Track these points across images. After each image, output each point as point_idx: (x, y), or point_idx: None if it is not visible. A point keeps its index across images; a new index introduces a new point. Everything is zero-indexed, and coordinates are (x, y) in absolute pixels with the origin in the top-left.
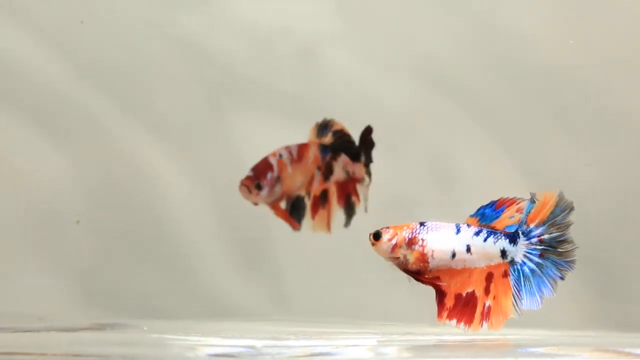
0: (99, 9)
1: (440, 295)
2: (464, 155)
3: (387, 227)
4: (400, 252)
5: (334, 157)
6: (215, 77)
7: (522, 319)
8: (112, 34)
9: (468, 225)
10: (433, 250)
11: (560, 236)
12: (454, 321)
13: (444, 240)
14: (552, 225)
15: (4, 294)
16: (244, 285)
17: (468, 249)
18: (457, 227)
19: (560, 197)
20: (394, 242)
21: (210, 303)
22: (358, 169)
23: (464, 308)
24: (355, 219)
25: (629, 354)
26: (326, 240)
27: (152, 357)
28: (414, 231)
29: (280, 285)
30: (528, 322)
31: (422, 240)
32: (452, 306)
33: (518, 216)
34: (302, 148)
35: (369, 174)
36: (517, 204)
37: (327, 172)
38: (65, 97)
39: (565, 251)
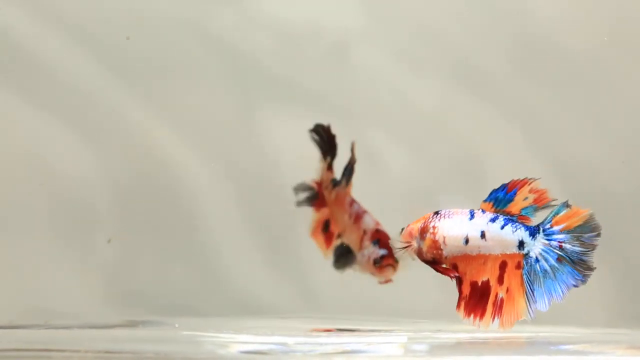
0: (131, 6)
1: (459, 283)
2: (493, 154)
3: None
4: (414, 242)
5: None
6: (246, 74)
7: (554, 315)
8: (143, 31)
9: (483, 211)
10: (444, 237)
11: (582, 253)
12: (471, 317)
13: (456, 226)
14: (578, 239)
15: (38, 290)
16: (274, 282)
17: (482, 235)
18: (471, 213)
19: (592, 218)
20: (407, 232)
21: (241, 300)
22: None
23: (480, 299)
24: (387, 216)
25: None
26: None
27: (185, 354)
28: (426, 220)
29: (310, 282)
30: (559, 319)
31: (434, 227)
32: (468, 295)
33: (532, 197)
34: None
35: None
36: (529, 184)
37: None
38: (97, 94)
39: (582, 269)
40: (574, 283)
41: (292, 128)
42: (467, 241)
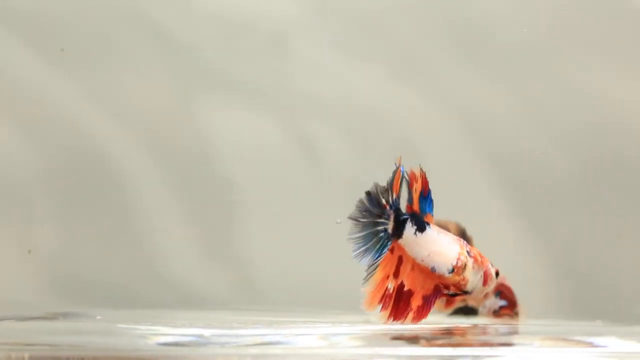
0: None
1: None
2: (430, 143)
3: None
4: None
5: None
6: (184, 64)
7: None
8: (81, 22)
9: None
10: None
11: None
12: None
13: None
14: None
15: None
16: (210, 273)
17: None
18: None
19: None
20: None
21: (171, 292)
22: None
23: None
24: (325, 205)
25: (579, 342)
26: (289, 231)
27: (100, 346)
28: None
29: (246, 273)
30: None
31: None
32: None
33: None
34: None
35: None
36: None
37: None
38: (32, 81)
39: None
40: None
41: (230, 118)
42: None
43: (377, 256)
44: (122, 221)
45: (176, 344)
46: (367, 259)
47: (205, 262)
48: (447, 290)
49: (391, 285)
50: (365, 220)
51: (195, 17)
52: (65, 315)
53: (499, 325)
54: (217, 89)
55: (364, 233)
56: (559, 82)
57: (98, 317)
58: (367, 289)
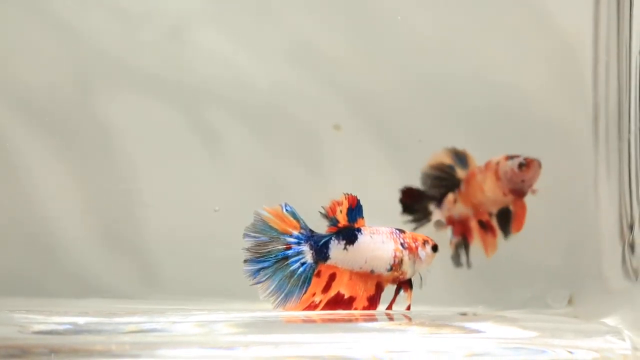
0: None
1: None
2: (329, 134)
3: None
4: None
5: None
6: (83, 57)
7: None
8: None
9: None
10: None
11: None
12: None
13: None
14: None
15: None
16: (94, 263)
17: None
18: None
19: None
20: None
21: (56, 280)
22: None
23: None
24: (227, 195)
25: (452, 327)
26: (185, 219)
27: None
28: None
29: (147, 262)
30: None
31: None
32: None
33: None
34: None
35: None
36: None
37: None
38: None
39: None
40: None
41: (130, 112)
42: None
43: (303, 291)
44: (11, 209)
45: (50, 332)
46: (292, 299)
47: (101, 251)
48: (387, 284)
49: (318, 298)
50: (274, 264)
51: (93, 7)
52: None
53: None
54: (116, 81)
55: (278, 279)
56: None
57: None
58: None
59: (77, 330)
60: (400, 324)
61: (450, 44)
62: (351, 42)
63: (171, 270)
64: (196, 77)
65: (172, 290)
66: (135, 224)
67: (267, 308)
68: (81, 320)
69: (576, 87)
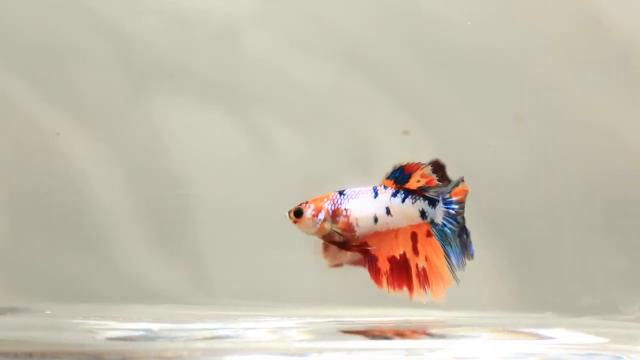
0: None
1: (371, 260)
2: (383, 137)
3: (307, 202)
4: (326, 226)
5: None
6: (135, 60)
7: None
8: (32, 14)
9: (385, 187)
10: (357, 219)
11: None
12: (397, 290)
13: (365, 206)
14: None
15: None
16: (165, 268)
17: (388, 211)
18: (374, 190)
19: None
20: (320, 217)
21: (122, 286)
22: None
23: (401, 271)
24: (281, 200)
25: (525, 333)
26: (244, 223)
27: (50, 341)
28: (335, 202)
29: (198, 268)
30: (432, 304)
31: (346, 210)
32: (388, 270)
33: (423, 181)
34: None
35: None
36: (421, 169)
37: None
38: None
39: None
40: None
41: (182, 113)
42: (376, 220)
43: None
44: (73, 216)
45: (124, 339)
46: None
47: (156, 257)
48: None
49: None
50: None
51: (147, 12)
52: (13, 310)
53: (450, 317)
54: (170, 84)
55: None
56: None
57: (47, 312)
58: None
59: (150, 337)
60: (472, 330)
61: (516, 60)
62: (406, 47)
63: (224, 276)
64: (250, 81)
65: (225, 295)
66: (193, 228)
67: (334, 314)
68: (155, 326)
69: None
